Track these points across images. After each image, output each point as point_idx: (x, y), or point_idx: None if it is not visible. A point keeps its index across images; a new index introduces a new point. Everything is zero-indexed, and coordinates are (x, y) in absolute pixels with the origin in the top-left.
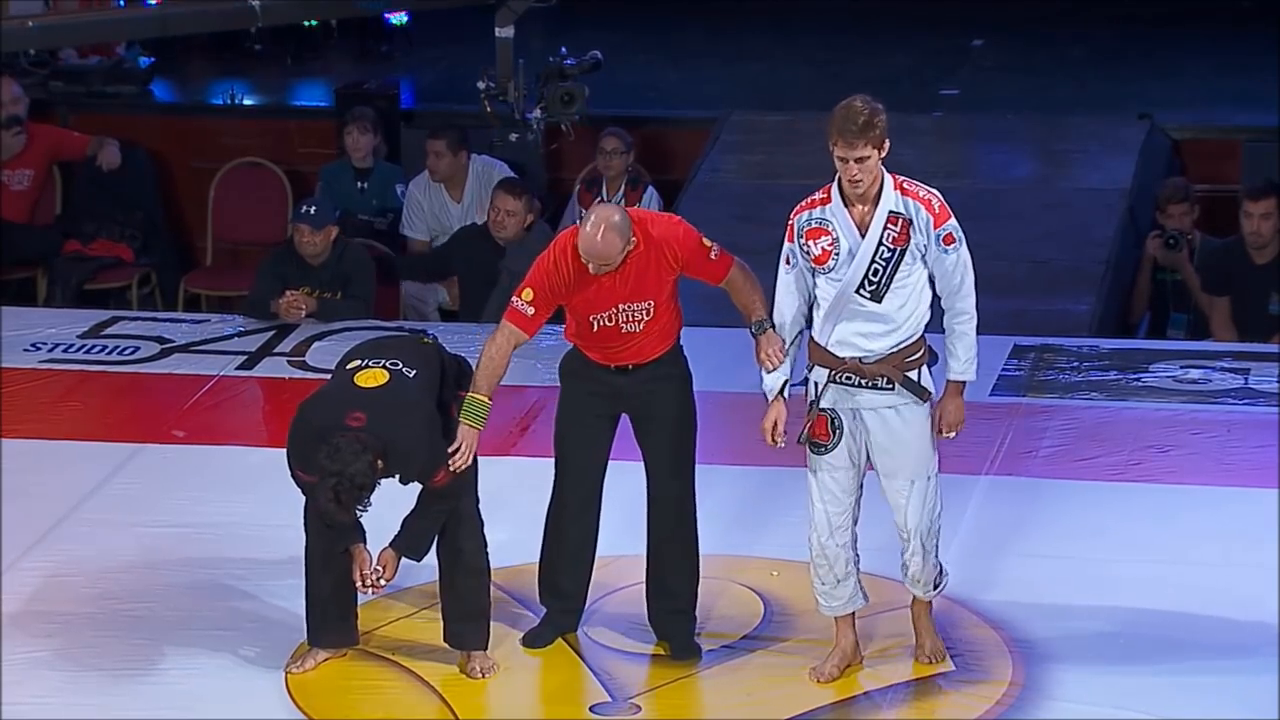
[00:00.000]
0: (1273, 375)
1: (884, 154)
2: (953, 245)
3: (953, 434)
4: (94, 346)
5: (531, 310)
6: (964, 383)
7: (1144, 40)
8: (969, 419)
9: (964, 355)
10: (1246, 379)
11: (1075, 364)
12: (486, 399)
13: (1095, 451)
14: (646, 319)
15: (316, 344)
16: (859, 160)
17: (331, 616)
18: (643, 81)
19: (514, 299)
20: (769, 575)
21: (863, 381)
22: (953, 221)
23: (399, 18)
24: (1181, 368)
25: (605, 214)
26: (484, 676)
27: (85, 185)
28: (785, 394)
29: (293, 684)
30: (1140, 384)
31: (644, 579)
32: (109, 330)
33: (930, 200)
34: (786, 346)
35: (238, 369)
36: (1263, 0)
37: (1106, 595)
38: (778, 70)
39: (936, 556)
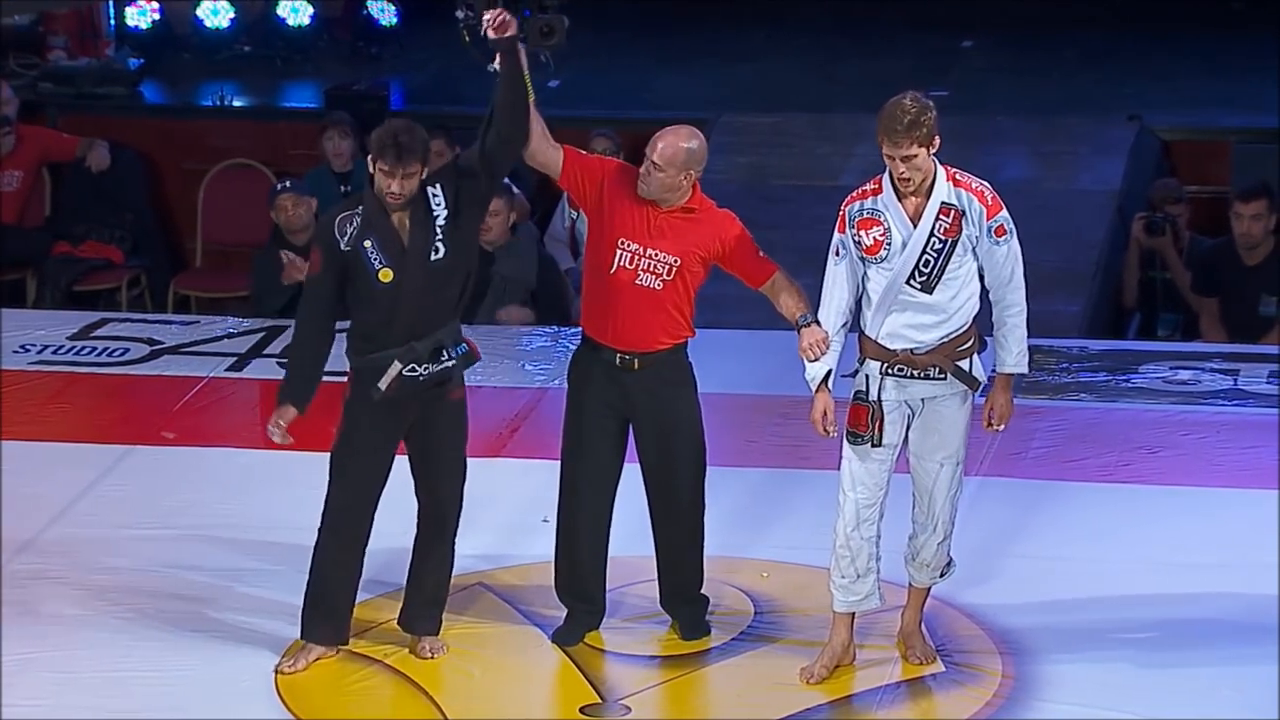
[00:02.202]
0: (1262, 376)
1: (935, 149)
2: (1004, 237)
3: (1002, 426)
4: (83, 348)
5: (585, 153)
6: (1014, 375)
7: (1134, 42)
8: None
9: (1015, 348)
10: (1236, 380)
11: (1065, 365)
12: None
13: (1085, 452)
14: (666, 278)
15: None
16: (905, 159)
17: (335, 611)
18: (633, 82)
19: None
20: (760, 577)
21: (915, 373)
22: (1005, 213)
23: (389, 20)
24: (1171, 369)
25: (688, 130)
26: (434, 656)
27: (75, 187)
28: (830, 384)
29: (283, 685)
30: (1130, 385)
31: (654, 575)
32: (98, 332)
33: (983, 191)
34: (831, 337)
35: (228, 370)
36: (1253, 2)
37: (1096, 596)
38: (768, 72)
39: (949, 545)
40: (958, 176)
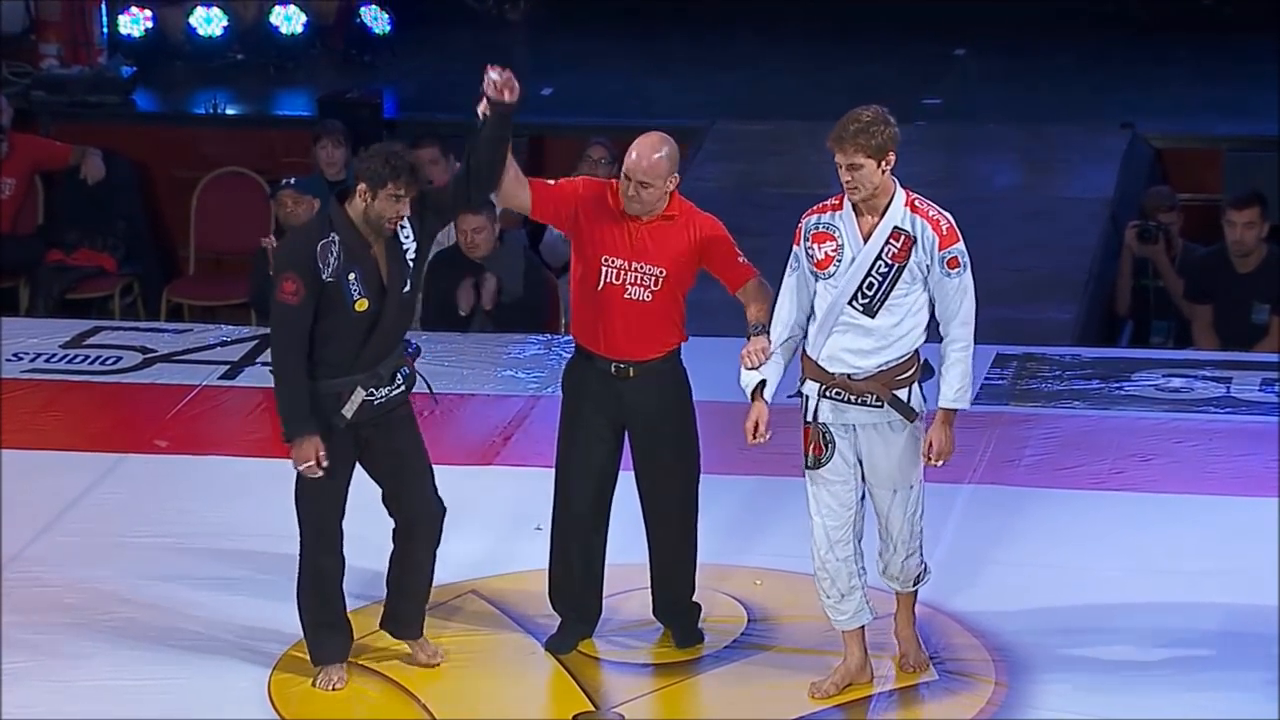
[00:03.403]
0: (1254, 384)
1: (886, 166)
2: (957, 270)
3: (940, 463)
4: (76, 356)
5: (552, 182)
6: (955, 411)
7: (1126, 49)
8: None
9: (956, 384)
10: (1229, 388)
11: (1058, 373)
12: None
13: (1078, 460)
14: (654, 289)
15: None
16: (851, 167)
17: (338, 627)
18: (627, 90)
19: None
20: (752, 584)
21: (851, 398)
22: (960, 246)
23: (382, 28)
24: (1164, 376)
25: (657, 136)
26: (437, 662)
27: (68, 195)
28: (765, 394)
29: (275, 692)
30: (1122, 393)
31: (647, 584)
32: (91, 340)
33: (939, 221)
34: (772, 349)
35: (220, 379)
36: (1245, 10)
37: (1090, 603)
38: (761, 80)
39: (920, 556)
40: (916, 203)
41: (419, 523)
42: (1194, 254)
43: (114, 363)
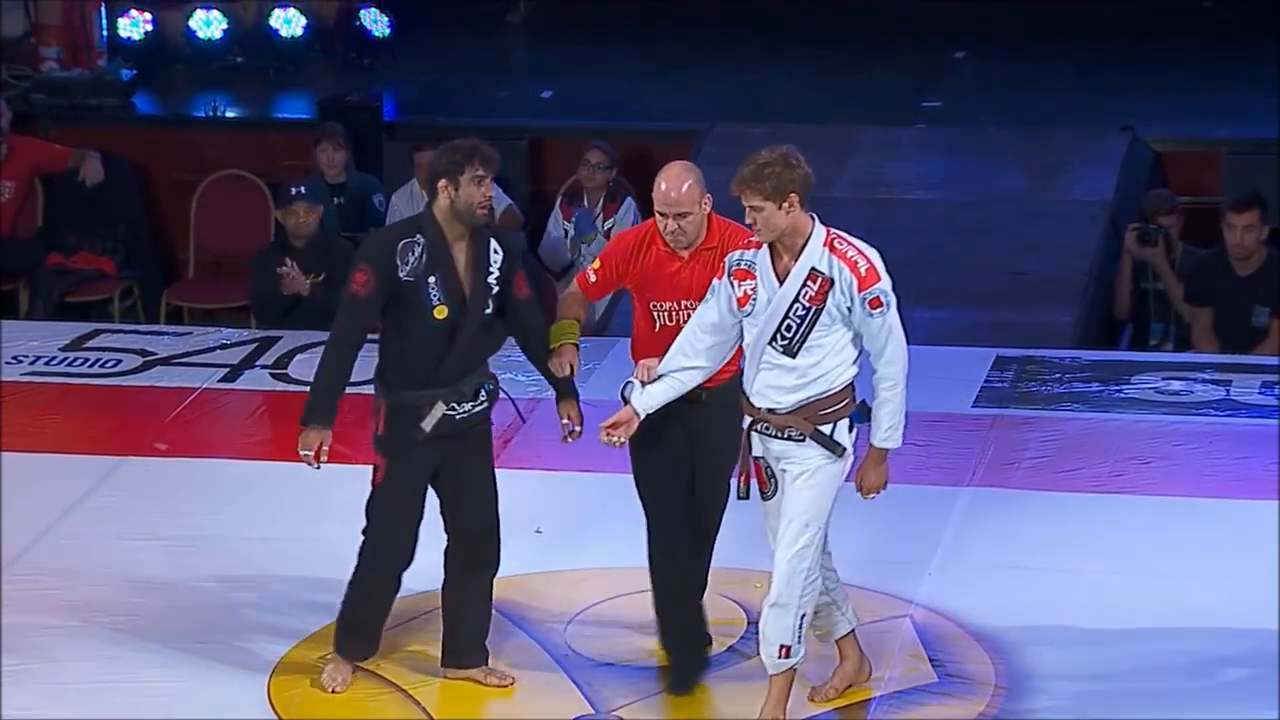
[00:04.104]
0: (1254, 387)
1: (788, 207)
2: (879, 310)
3: (873, 496)
4: (76, 359)
5: (594, 277)
6: (886, 450)
7: (1126, 52)
8: (951, 430)
9: (885, 423)
10: (1228, 390)
11: (1058, 375)
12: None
13: (1077, 463)
14: None
15: (299, 356)
16: (751, 209)
17: (369, 631)
18: (626, 93)
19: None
20: (752, 588)
21: (775, 431)
22: (882, 285)
23: (381, 30)
24: (1164, 379)
25: (680, 166)
26: (510, 682)
27: (67, 198)
28: (638, 406)
29: (275, 694)
30: (1122, 395)
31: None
32: (91, 343)
33: (857, 262)
34: (658, 370)
35: (220, 382)
36: (1244, 12)
37: (1089, 606)
38: (761, 83)
39: (793, 623)
40: (836, 243)
41: (469, 539)
42: (1193, 257)
43: (114, 366)
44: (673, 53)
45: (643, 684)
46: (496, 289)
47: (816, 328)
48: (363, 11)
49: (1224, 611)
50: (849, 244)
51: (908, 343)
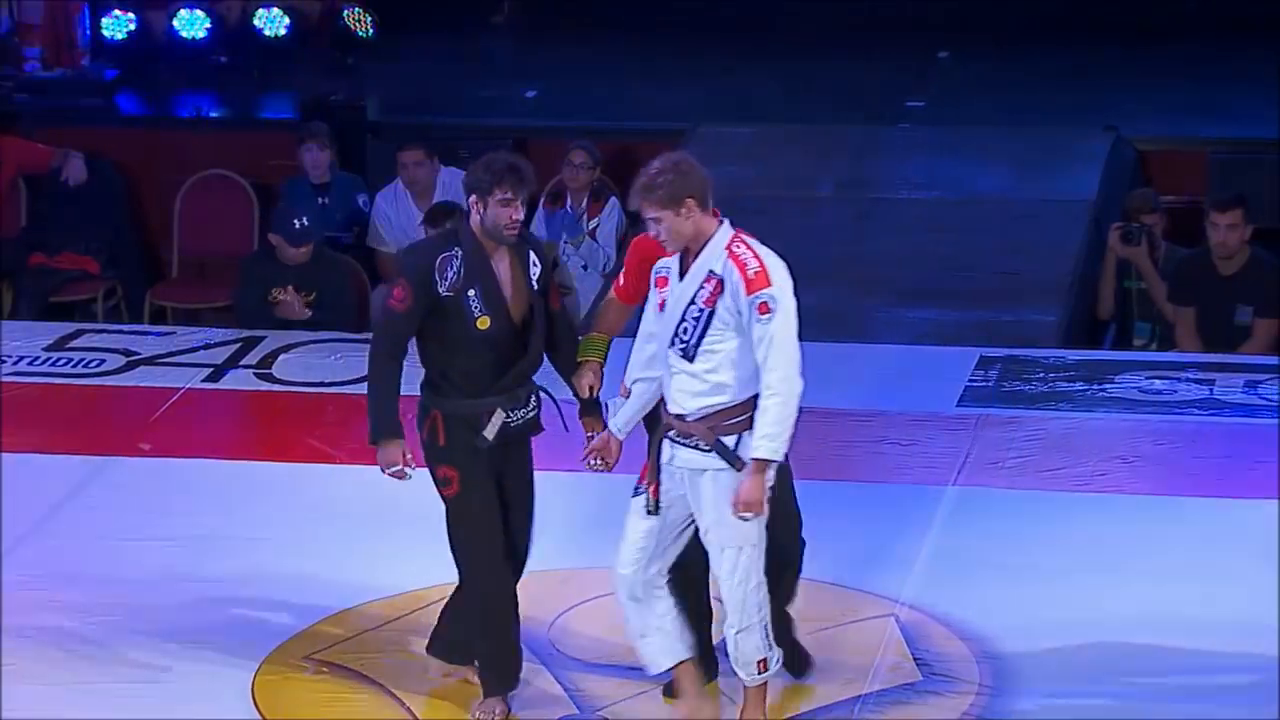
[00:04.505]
0: (1238, 386)
1: (686, 213)
2: (766, 315)
3: (749, 514)
4: (59, 359)
5: (622, 281)
6: (766, 461)
7: (1109, 52)
8: (935, 430)
9: (760, 431)
10: (1212, 389)
11: (1042, 375)
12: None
13: (1061, 462)
14: None
15: (283, 356)
16: (653, 221)
17: (517, 655)
18: (611, 94)
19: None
20: None
21: (682, 439)
22: (771, 290)
23: (365, 30)
24: (1147, 378)
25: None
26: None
27: (51, 198)
28: (612, 425)
29: (259, 693)
30: (1106, 395)
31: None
32: (74, 343)
33: (747, 263)
34: (629, 382)
35: (204, 381)
36: (1228, 13)
37: (1073, 605)
38: (745, 83)
39: (763, 637)
40: (735, 246)
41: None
42: (1177, 256)
43: (97, 366)
44: (657, 53)
45: (626, 683)
46: (538, 299)
47: (711, 331)
48: (346, 11)
49: (1208, 611)
50: (747, 247)
51: (897, 342)
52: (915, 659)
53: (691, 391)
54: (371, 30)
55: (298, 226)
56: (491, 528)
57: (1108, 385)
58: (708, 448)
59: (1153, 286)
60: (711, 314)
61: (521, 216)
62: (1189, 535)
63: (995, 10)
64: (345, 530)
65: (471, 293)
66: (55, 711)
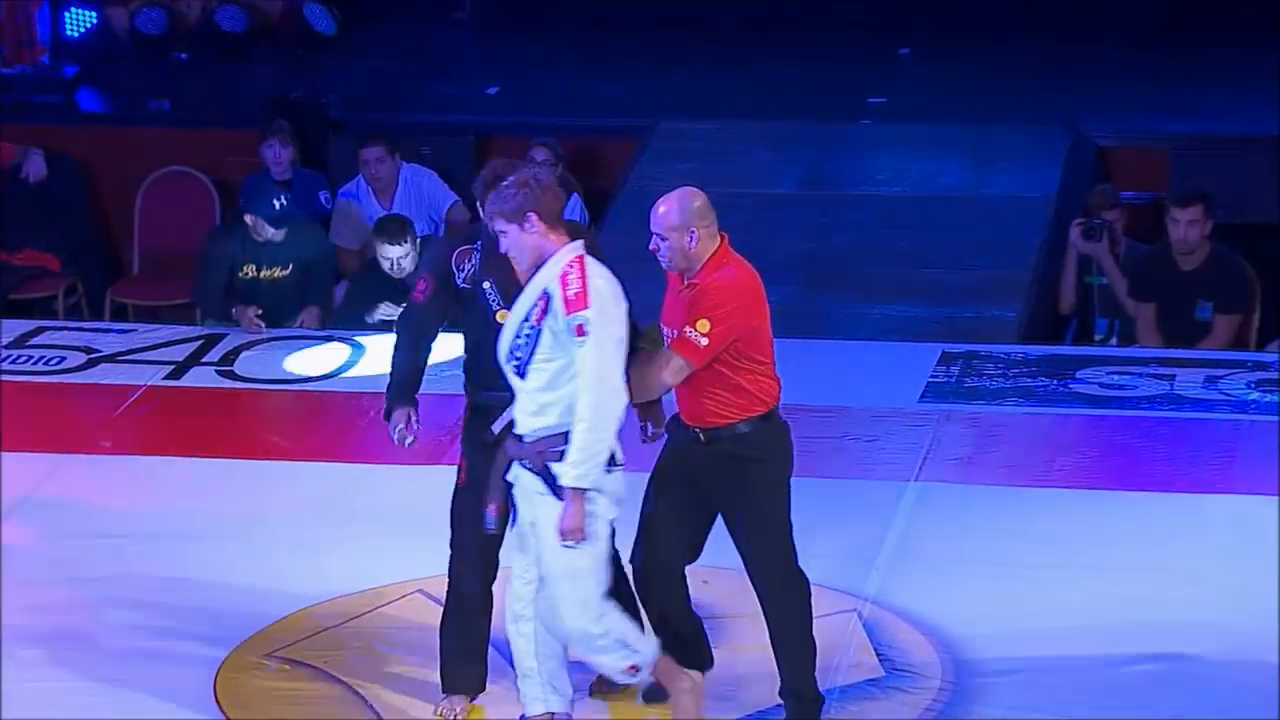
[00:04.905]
0: (1198, 381)
1: (528, 229)
2: (580, 339)
3: (569, 542)
4: (20, 357)
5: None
6: (578, 490)
7: (1070, 49)
8: (897, 425)
9: (568, 458)
10: (1172, 385)
11: (1003, 370)
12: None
13: (1023, 457)
14: None
15: (245, 353)
16: (499, 232)
17: (482, 659)
18: (572, 90)
19: None
20: (701, 584)
21: (521, 461)
22: (588, 313)
23: (327, 26)
24: (1108, 374)
25: (680, 190)
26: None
27: (11, 195)
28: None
29: (221, 691)
30: (1067, 390)
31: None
32: (35, 340)
33: (570, 284)
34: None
35: (165, 379)
36: (1187, 10)
37: (1034, 600)
38: (707, 80)
39: (625, 646)
40: (570, 266)
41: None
42: (1137, 252)
43: (58, 363)
44: (619, 50)
45: (592, 677)
46: None
47: (539, 349)
48: (308, 7)
49: (1169, 604)
50: (579, 269)
51: (859, 338)
52: (878, 655)
53: (527, 411)
54: (332, 26)
55: (278, 207)
56: (476, 527)
57: (1069, 381)
58: (538, 472)
59: (1114, 282)
60: (539, 332)
61: None
62: (1150, 530)
63: (956, 7)
64: (306, 527)
65: (487, 285)
66: (12, 712)
